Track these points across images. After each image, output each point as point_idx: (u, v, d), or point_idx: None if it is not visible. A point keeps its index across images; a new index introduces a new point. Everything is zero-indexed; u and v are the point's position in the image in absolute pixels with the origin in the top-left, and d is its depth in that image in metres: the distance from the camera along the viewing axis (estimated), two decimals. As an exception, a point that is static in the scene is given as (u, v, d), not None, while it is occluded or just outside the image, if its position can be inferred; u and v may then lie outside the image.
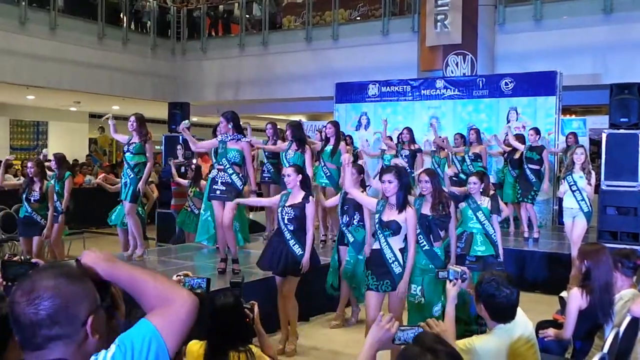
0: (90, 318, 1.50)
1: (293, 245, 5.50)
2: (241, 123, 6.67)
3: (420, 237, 5.34)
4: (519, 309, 3.14)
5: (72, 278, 1.51)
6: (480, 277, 3.19)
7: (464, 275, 3.34)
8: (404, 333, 2.10)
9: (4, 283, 2.56)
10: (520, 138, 9.58)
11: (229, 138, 6.38)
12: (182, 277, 2.75)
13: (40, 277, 1.49)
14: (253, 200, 6.94)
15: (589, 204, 7.52)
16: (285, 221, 5.53)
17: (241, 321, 3.05)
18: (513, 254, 8.22)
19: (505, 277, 3.05)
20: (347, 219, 6.23)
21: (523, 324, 3.16)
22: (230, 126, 6.39)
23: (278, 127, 9.01)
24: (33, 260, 2.61)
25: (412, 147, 9.96)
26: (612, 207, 8.61)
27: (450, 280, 3.36)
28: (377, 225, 4.85)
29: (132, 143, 7.13)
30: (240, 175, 6.37)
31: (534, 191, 9.20)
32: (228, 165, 6.31)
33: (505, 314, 3.02)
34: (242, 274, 3.78)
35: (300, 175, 5.57)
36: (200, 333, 2.96)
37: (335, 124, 8.47)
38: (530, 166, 9.11)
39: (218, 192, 6.37)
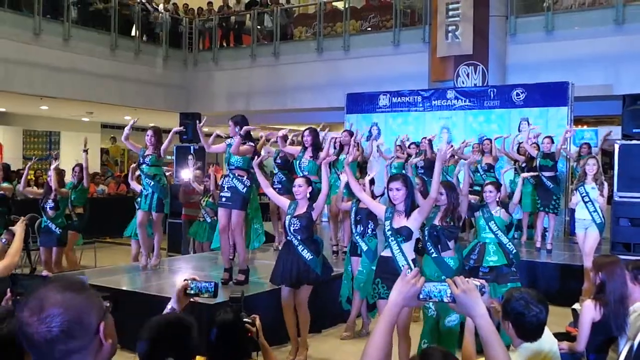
0: (101, 325, 1.52)
1: (302, 251, 5.49)
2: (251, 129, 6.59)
3: (428, 245, 5.33)
4: (547, 329, 3.03)
5: (77, 290, 1.52)
6: (508, 295, 3.02)
7: (483, 289, 3.16)
8: (430, 285, 2.01)
9: (12, 297, 2.57)
10: (534, 146, 9.57)
11: (234, 142, 6.38)
12: (189, 281, 2.73)
13: (46, 294, 1.48)
14: (271, 191, 6.08)
15: (601, 215, 7.48)
16: (292, 231, 5.54)
17: (241, 336, 3.02)
18: (525, 265, 8.16)
19: (534, 294, 2.91)
20: (362, 228, 6.19)
21: (549, 341, 3.07)
22: (237, 130, 6.38)
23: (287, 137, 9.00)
24: (43, 273, 2.62)
25: (427, 157, 9.95)
26: (625, 218, 8.52)
27: None
28: (389, 233, 4.84)
29: (148, 155, 7.20)
30: (245, 179, 6.36)
31: (555, 199, 9.16)
32: (229, 171, 6.33)
33: (534, 333, 2.89)
34: (243, 289, 3.62)
35: (310, 187, 5.62)
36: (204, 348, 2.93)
37: (351, 133, 8.48)
38: (545, 174, 9.08)
39: (224, 199, 6.37)
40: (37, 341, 1.45)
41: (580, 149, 10.03)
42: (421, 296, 2.01)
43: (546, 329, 3.06)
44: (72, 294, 1.49)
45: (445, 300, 2.00)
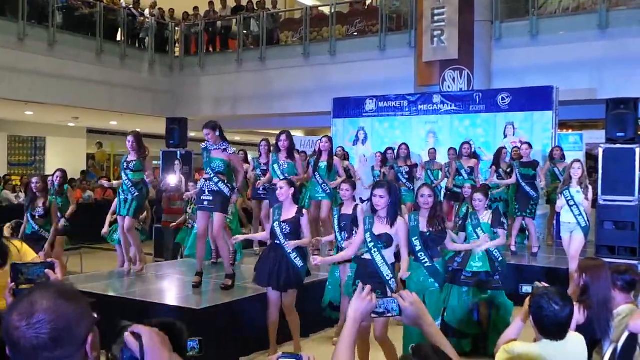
0: (90, 337, 1.49)
1: (295, 259, 5.50)
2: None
3: (421, 255, 5.36)
4: (581, 340, 3.07)
5: (70, 298, 1.49)
6: (535, 289, 3.14)
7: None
8: (383, 301, 2.11)
9: (15, 287, 2.52)
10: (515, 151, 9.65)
11: (214, 147, 6.38)
12: None
13: (37, 299, 1.45)
14: (250, 235, 7.20)
15: (586, 218, 7.52)
16: (284, 235, 5.52)
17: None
18: (511, 269, 8.19)
19: (559, 292, 2.98)
20: (346, 235, 6.18)
21: (576, 350, 3.06)
22: (217, 134, 6.38)
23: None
24: (49, 260, 2.57)
25: (409, 163, 10.15)
26: (609, 221, 8.60)
27: None
28: (369, 239, 4.88)
29: (132, 161, 7.18)
30: (227, 182, 6.36)
31: (532, 204, 9.20)
32: (213, 174, 6.32)
33: (551, 329, 2.94)
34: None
35: (292, 189, 5.64)
36: None
37: (331, 139, 8.48)
38: (527, 181, 9.13)
39: (205, 202, 6.36)
40: (23, 346, 1.42)
41: (552, 153, 9.96)
42: (378, 309, 2.11)
43: (582, 340, 3.09)
44: (64, 302, 1.46)
45: (397, 313, 2.11)
